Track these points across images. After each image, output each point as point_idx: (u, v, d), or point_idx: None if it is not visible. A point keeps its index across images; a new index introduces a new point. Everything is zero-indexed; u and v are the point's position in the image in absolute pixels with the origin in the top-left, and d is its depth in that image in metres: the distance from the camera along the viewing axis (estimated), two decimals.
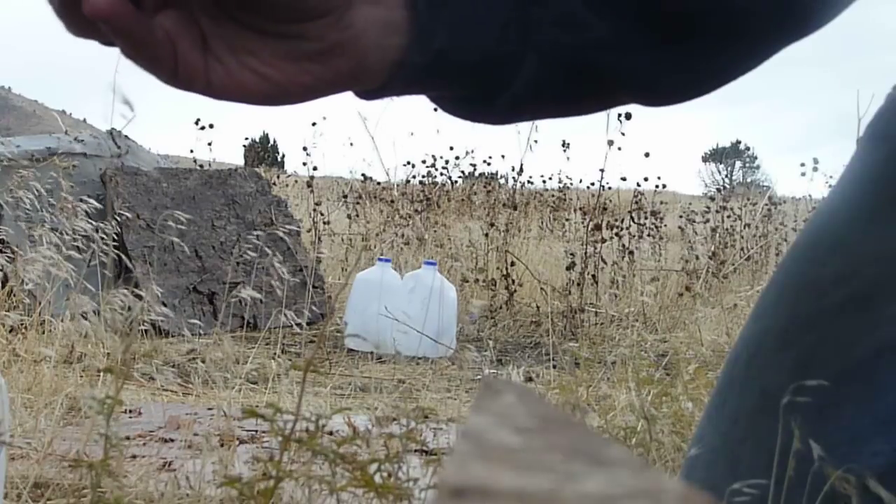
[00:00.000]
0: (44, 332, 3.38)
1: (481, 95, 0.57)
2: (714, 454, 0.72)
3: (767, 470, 0.66)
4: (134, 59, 0.52)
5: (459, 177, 9.89)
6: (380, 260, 4.61)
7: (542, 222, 8.31)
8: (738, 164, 38.34)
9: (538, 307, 5.27)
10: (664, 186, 7.36)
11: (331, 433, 1.95)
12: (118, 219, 4.22)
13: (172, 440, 2.64)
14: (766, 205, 8.14)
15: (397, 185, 8.65)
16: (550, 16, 0.55)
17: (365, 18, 0.51)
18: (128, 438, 2.58)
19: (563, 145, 7.18)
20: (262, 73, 0.52)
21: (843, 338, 0.65)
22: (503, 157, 9.41)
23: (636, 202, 6.76)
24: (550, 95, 0.59)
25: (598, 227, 5.41)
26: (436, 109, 0.62)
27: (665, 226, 7.42)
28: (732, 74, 0.62)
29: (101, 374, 2.90)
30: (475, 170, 9.44)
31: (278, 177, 9.87)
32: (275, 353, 3.78)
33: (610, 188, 6.18)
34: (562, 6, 0.55)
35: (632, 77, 0.59)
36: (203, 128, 7.19)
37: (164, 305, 3.71)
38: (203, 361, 3.42)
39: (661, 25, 0.57)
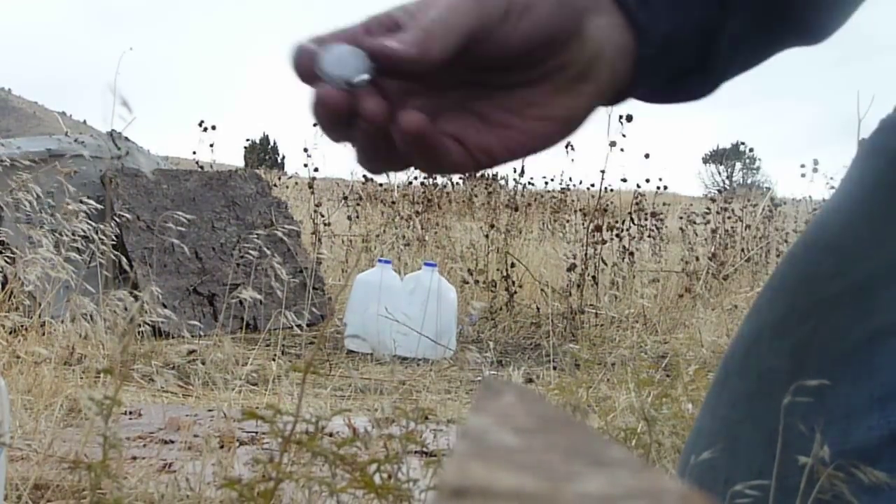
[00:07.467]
0: (44, 334, 3.37)
1: (700, 67, 0.61)
2: (713, 437, 0.74)
3: (766, 447, 0.68)
4: (426, 168, 0.56)
5: (460, 178, 9.88)
6: (380, 261, 4.60)
7: (542, 224, 8.31)
8: (739, 165, 38.34)
9: (538, 308, 5.27)
10: (665, 188, 7.36)
11: (331, 434, 1.95)
12: (118, 220, 4.22)
13: (172, 442, 2.63)
14: (767, 206, 8.14)
15: (398, 187, 8.65)
16: None
17: (598, 27, 0.56)
18: (127, 439, 2.58)
19: (565, 146, 7.18)
20: (548, 115, 0.56)
21: (839, 325, 0.68)
22: None
23: (637, 203, 6.76)
24: (748, 46, 0.64)
25: (598, 229, 5.41)
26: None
27: (665, 227, 7.41)
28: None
29: (101, 375, 2.90)
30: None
31: (279, 178, 9.87)
32: (275, 355, 3.78)
33: (611, 190, 6.18)
34: None
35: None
36: (206, 129, 7.20)
37: (164, 307, 3.71)
38: (203, 363, 3.42)
39: None
